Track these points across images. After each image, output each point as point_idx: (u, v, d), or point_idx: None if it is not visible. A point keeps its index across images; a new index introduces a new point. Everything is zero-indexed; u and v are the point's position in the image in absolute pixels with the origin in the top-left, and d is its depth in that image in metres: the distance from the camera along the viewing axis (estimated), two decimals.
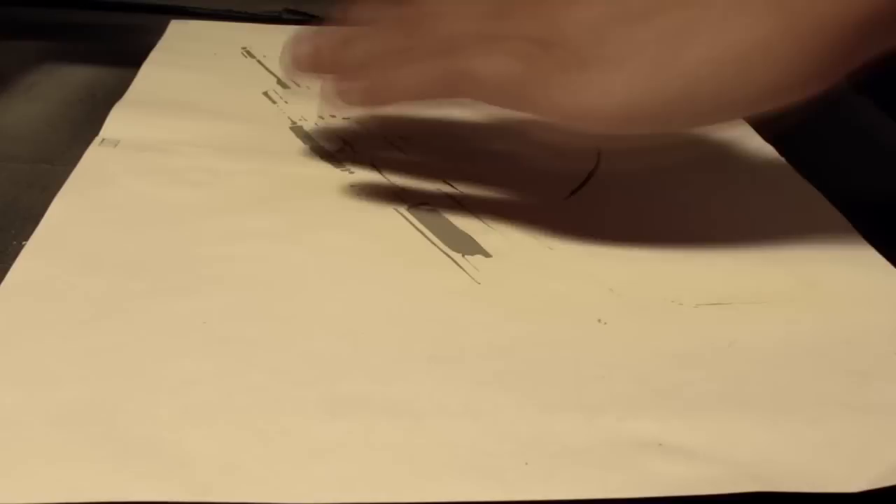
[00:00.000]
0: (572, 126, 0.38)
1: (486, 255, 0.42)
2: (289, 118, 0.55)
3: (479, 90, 0.40)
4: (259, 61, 0.64)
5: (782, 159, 0.54)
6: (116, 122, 0.52)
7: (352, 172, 0.49)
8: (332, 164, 0.50)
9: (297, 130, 0.54)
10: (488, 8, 0.41)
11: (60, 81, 0.60)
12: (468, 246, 0.43)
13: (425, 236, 0.43)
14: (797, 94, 0.37)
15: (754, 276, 0.42)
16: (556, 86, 0.38)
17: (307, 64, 0.45)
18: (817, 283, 0.42)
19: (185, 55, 0.64)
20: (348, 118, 0.55)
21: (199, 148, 0.50)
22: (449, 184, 0.48)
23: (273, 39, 0.67)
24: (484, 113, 0.55)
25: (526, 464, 0.30)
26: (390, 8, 0.44)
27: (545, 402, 0.33)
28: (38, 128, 0.53)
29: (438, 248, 0.43)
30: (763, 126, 0.57)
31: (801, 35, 0.35)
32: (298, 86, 0.59)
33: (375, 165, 0.50)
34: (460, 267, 0.41)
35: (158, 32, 0.67)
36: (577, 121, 0.38)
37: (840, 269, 0.43)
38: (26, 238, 0.41)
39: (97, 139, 0.50)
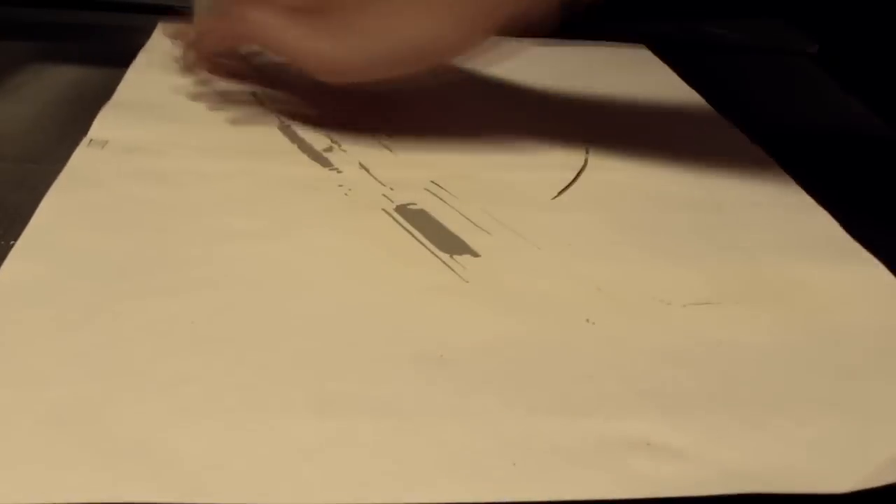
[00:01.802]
0: (319, 71, 0.52)
1: (475, 254, 0.42)
2: (277, 118, 0.55)
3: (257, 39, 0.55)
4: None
5: (770, 159, 0.54)
6: (104, 123, 0.52)
7: (340, 172, 0.49)
8: (321, 164, 0.50)
9: (286, 130, 0.54)
10: None
11: (48, 81, 0.60)
12: (456, 245, 0.43)
13: (413, 236, 0.43)
14: (458, 51, 0.52)
15: (742, 275, 0.42)
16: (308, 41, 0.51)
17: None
18: (805, 283, 0.42)
19: (172, 56, 0.64)
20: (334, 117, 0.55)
21: (188, 149, 0.50)
22: (436, 184, 0.48)
23: None
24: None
25: (514, 464, 0.30)
26: None
27: (533, 401, 0.33)
28: (26, 127, 0.53)
29: (426, 247, 0.43)
30: (752, 126, 0.58)
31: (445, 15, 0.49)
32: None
33: (363, 165, 0.50)
34: (448, 266, 0.41)
35: (146, 32, 0.67)
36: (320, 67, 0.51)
37: (828, 268, 0.43)
38: (15, 238, 0.41)
39: (85, 140, 0.50)
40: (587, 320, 0.38)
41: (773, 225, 0.47)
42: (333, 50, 0.51)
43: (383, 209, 0.46)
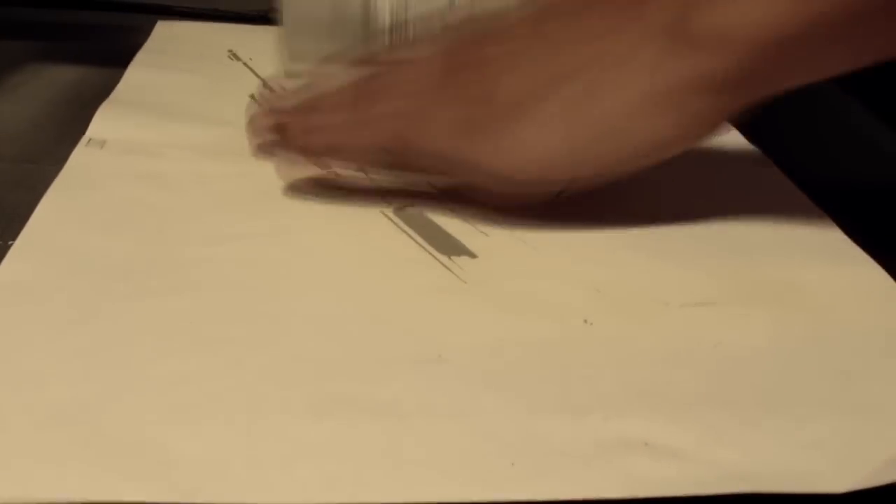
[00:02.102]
0: (499, 180, 0.43)
1: (472, 255, 0.42)
2: None
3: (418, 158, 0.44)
4: (245, 63, 0.64)
5: (768, 160, 0.54)
6: (103, 124, 0.52)
7: (338, 174, 0.49)
8: (318, 165, 0.50)
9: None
10: (430, 80, 0.45)
11: (47, 81, 0.60)
12: (454, 247, 0.43)
13: (411, 238, 0.43)
14: (683, 144, 0.43)
15: (740, 276, 0.42)
16: (484, 144, 0.43)
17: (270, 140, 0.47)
18: (803, 284, 0.42)
19: (171, 57, 0.64)
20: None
21: (185, 150, 0.50)
22: (434, 186, 0.48)
23: (259, 41, 0.67)
24: None
25: (512, 464, 0.30)
26: (348, 76, 0.47)
27: (531, 402, 0.33)
28: (25, 127, 0.53)
29: (424, 249, 0.43)
30: (749, 126, 0.57)
31: (673, 97, 0.41)
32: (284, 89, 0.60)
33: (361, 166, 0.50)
34: (446, 268, 0.41)
35: (145, 32, 0.67)
36: (505, 172, 0.43)
37: (826, 269, 0.43)
38: (13, 238, 0.41)
39: (83, 140, 0.50)
40: (585, 321, 0.38)
41: (772, 226, 0.47)
42: (490, 164, 0.43)
43: (381, 211, 0.46)
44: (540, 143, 0.42)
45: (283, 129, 0.46)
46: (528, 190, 0.44)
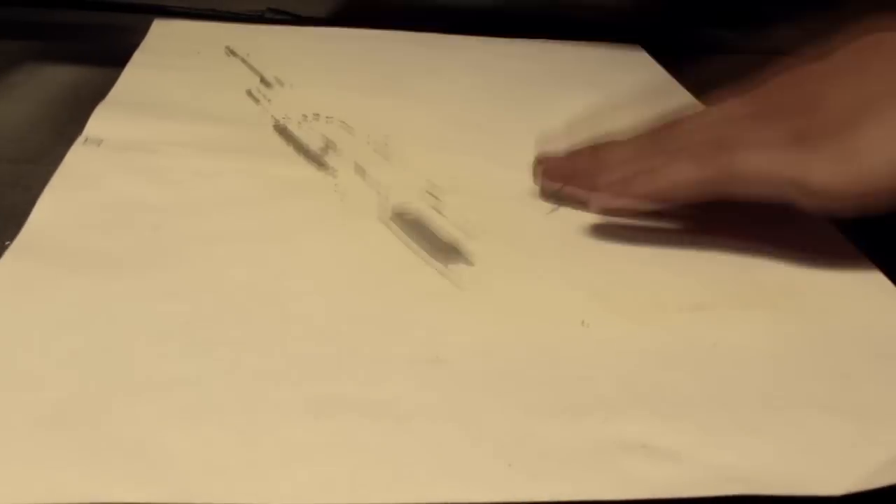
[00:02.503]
0: (831, 196, 0.41)
1: (469, 263, 0.42)
2: (272, 118, 0.55)
3: (747, 186, 0.43)
4: (242, 60, 0.64)
5: None
6: (100, 122, 0.52)
7: (335, 176, 0.49)
8: (316, 165, 0.50)
9: (281, 130, 0.54)
10: (749, 110, 0.45)
11: (44, 81, 0.60)
12: (451, 252, 0.43)
13: (407, 243, 0.43)
14: None
15: (736, 280, 0.42)
16: (821, 153, 0.41)
17: (559, 174, 0.48)
18: (800, 285, 0.42)
19: (168, 55, 0.64)
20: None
21: (183, 148, 0.50)
22: (432, 189, 0.48)
23: (256, 39, 0.67)
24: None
25: (509, 465, 0.31)
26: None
27: (529, 404, 0.33)
28: (22, 127, 0.53)
29: (420, 254, 0.42)
30: None
31: None
32: (281, 85, 0.60)
33: (359, 169, 0.50)
34: (442, 273, 0.41)
35: (142, 32, 0.67)
36: (842, 184, 0.41)
37: (823, 271, 0.43)
38: (10, 238, 0.41)
39: (80, 138, 0.50)
40: (583, 323, 0.38)
41: (767, 229, 0.47)
42: (826, 176, 0.41)
43: (377, 215, 0.46)
44: (889, 147, 0.40)
45: (587, 171, 0.47)
46: (864, 204, 0.41)
